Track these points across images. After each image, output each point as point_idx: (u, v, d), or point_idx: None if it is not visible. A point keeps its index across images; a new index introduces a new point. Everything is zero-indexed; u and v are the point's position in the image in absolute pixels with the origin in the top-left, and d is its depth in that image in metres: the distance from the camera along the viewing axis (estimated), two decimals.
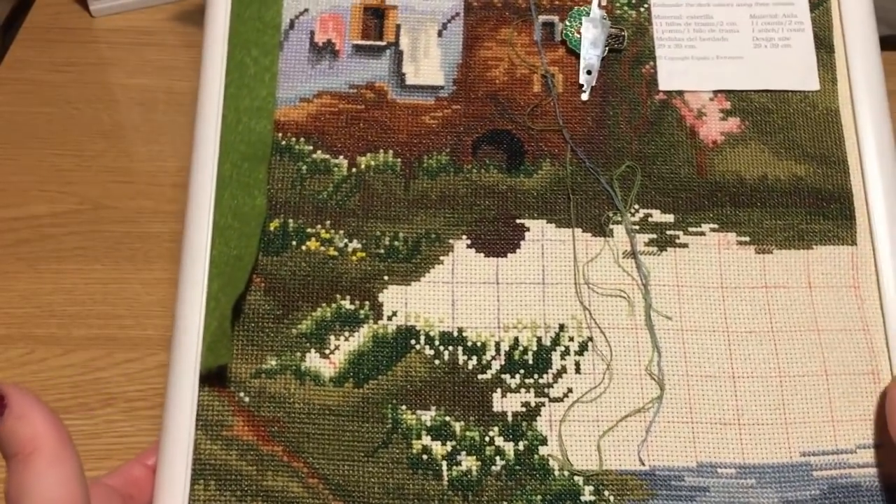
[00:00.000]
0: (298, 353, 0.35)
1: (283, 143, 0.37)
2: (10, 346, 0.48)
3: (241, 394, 0.34)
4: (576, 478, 0.33)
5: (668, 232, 0.36)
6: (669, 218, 0.36)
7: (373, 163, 0.37)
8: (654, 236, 0.36)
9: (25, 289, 0.50)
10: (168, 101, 0.61)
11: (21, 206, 0.55)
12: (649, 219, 0.36)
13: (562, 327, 0.35)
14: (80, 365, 0.47)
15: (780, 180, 0.36)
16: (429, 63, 0.38)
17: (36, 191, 0.56)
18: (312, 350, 0.35)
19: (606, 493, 0.33)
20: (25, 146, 0.58)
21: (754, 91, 0.37)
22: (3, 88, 0.62)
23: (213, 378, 0.34)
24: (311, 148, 0.37)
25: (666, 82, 0.37)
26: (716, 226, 0.36)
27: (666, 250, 0.36)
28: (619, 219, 0.36)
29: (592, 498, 0.33)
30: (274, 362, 0.35)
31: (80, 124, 0.60)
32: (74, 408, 0.45)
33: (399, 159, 0.37)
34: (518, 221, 0.36)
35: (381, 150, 0.38)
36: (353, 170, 0.37)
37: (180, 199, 0.55)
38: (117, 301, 0.50)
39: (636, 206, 0.36)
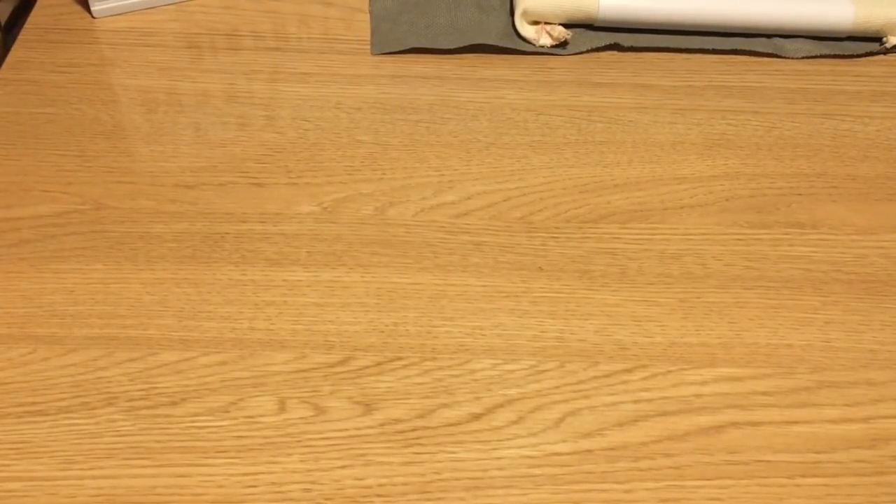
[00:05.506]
0: None
1: None
2: (12, 346, 0.48)
3: None
4: None
5: None
6: None
7: None
8: None
9: (27, 288, 0.51)
10: (169, 101, 0.61)
11: (23, 206, 0.55)
12: None
13: None
14: (82, 364, 0.47)
15: None
16: None
17: (38, 191, 0.56)
18: None
19: None
20: (27, 146, 0.58)
21: None
22: (4, 89, 0.62)
23: None
24: None
25: None
26: None
27: None
28: None
29: None
30: None
31: (82, 125, 0.60)
32: (76, 407, 0.46)
33: None
34: None
35: None
36: None
37: (182, 199, 0.55)
38: (119, 301, 0.50)
39: None
